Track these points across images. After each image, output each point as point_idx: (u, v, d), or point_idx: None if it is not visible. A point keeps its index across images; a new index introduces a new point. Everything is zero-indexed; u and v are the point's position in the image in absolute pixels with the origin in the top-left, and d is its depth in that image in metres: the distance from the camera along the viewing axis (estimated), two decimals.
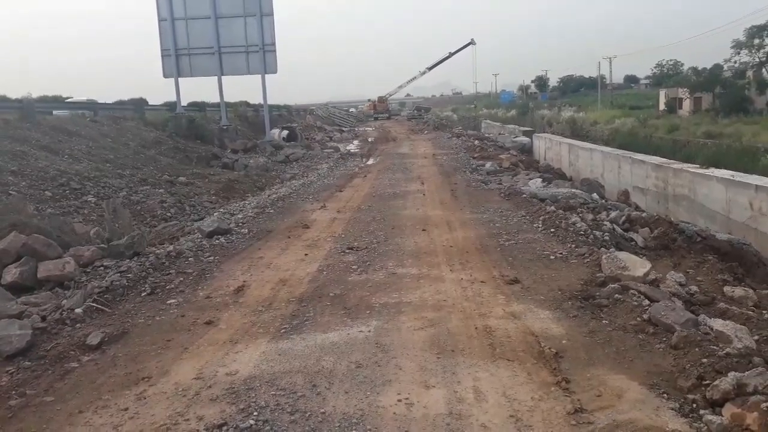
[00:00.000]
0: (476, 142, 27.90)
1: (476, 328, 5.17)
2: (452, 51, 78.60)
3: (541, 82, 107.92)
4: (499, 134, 31.68)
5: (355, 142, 33.65)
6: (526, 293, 6.05)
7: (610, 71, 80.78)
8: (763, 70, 44.93)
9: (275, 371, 4.45)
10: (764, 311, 6.40)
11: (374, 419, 3.73)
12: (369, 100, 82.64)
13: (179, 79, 27.89)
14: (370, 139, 34.95)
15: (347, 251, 8.10)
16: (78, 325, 5.61)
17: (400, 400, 3.95)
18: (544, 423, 3.60)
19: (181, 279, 7.03)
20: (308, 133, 37.33)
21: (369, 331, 5.20)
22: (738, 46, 45.14)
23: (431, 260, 7.55)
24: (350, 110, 78.52)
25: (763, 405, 3.53)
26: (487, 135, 33.65)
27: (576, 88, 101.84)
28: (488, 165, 17.94)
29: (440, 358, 4.58)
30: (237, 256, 8.10)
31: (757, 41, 43.83)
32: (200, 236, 9.13)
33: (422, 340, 4.95)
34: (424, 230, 9.34)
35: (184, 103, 30.29)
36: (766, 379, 3.87)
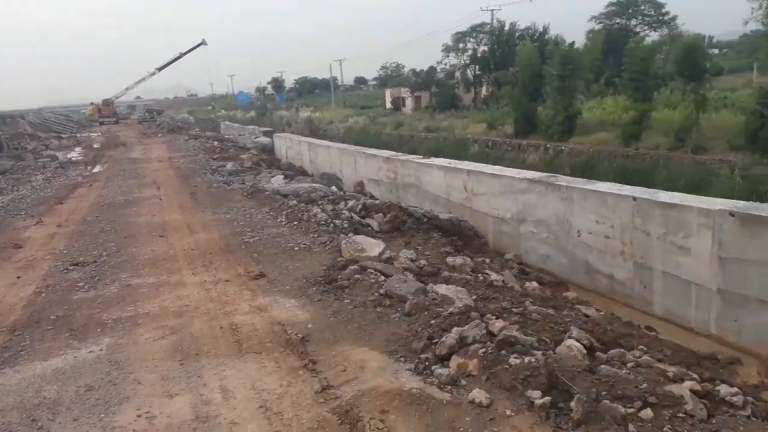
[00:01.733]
0: (216, 143, 27.21)
1: (221, 327, 4.99)
2: (183, 51, 75.47)
3: (278, 83, 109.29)
4: (240, 135, 31.31)
5: (78, 149, 30.21)
6: (272, 286, 6.04)
7: (341, 73, 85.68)
8: (468, 71, 51.55)
9: None
10: (479, 275, 7.36)
11: None
12: (92, 104, 75.12)
13: None
14: (95, 146, 31.67)
15: (71, 268, 7.21)
16: None
17: (140, 416, 3.61)
18: (293, 407, 3.60)
19: None
20: (17, 141, 32.50)
21: (101, 350, 4.68)
22: (447, 49, 51.12)
23: (171, 266, 7.11)
24: (70, 116, 70.22)
25: (480, 351, 4.02)
26: (227, 136, 33.03)
27: (311, 89, 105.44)
28: (229, 165, 17.58)
29: (184, 364, 4.30)
30: None
31: (461, 45, 50.13)
32: None
33: (163, 350, 4.61)
34: (162, 236, 8.76)
35: None
36: (482, 329, 4.43)
